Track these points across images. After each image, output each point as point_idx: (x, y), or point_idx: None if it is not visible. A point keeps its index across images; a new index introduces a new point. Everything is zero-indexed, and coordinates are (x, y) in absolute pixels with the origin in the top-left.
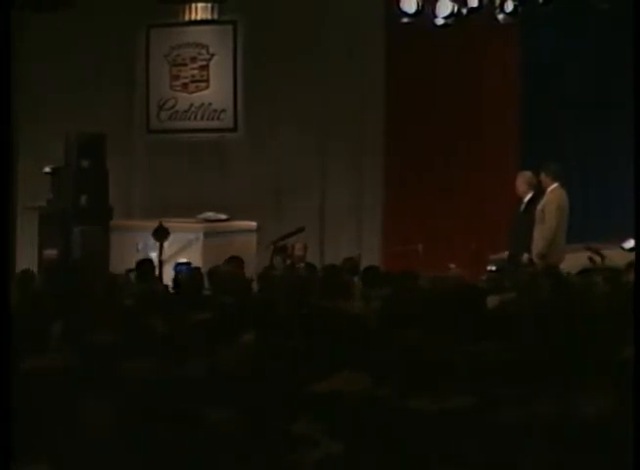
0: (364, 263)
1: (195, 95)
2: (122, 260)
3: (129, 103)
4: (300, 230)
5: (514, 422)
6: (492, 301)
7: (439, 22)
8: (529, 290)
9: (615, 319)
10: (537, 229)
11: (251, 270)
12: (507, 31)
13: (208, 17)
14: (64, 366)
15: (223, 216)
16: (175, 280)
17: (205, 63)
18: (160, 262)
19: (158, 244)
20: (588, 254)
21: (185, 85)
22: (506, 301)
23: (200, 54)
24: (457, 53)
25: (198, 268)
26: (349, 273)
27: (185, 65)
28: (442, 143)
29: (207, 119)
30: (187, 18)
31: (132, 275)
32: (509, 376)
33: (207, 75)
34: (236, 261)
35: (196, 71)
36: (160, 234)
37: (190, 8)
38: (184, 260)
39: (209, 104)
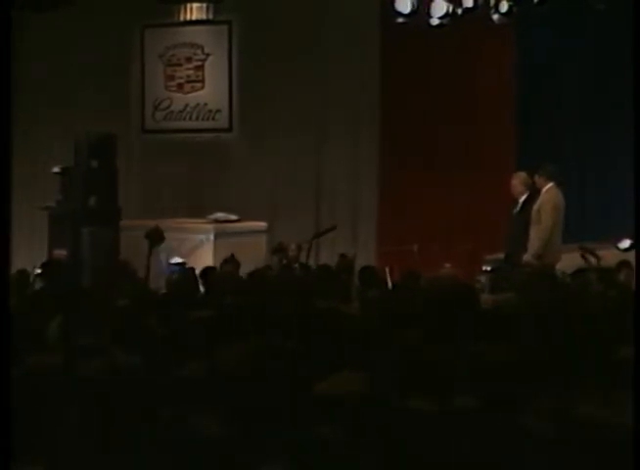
0: (359, 263)
1: (190, 95)
2: (133, 261)
3: (125, 103)
4: (333, 228)
5: (512, 423)
6: (487, 301)
7: (434, 22)
8: (525, 290)
9: (609, 319)
10: (533, 229)
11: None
12: (503, 31)
13: (204, 17)
14: (57, 366)
15: (234, 217)
16: (168, 281)
17: (200, 63)
18: (183, 264)
19: (169, 245)
20: (581, 252)
21: (180, 85)
22: (501, 301)
23: (195, 54)
24: (453, 53)
25: (192, 269)
26: (345, 272)
27: (180, 65)
28: (438, 143)
29: (203, 120)
30: (182, 18)
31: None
32: (505, 377)
33: (203, 76)
34: (232, 262)
35: (191, 72)
36: (154, 238)
37: (185, 8)
38: (178, 261)
39: (205, 104)
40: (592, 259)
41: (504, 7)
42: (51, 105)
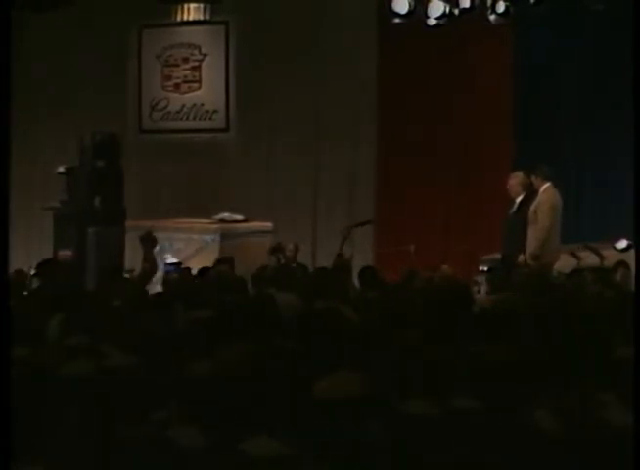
0: (357, 263)
1: (187, 95)
2: (139, 262)
3: (122, 103)
4: (370, 222)
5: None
6: (483, 301)
7: (432, 22)
8: (521, 290)
9: (605, 319)
10: (531, 230)
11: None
12: (500, 32)
13: (201, 17)
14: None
15: (240, 217)
16: (164, 281)
17: (197, 63)
18: (179, 264)
19: (175, 246)
20: (570, 252)
21: (177, 86)
22: (497, 301)
23: (192, 54)
24: (450, 53)
25: (188, 269)
26: (342, 272)
27: (177, 65)
28: (436, 143)
29: (200, 120)
30: (179, 18)
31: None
32: (501, 377)
33: (200, 76)
34: (228, 262)
35: (188, 72)
36: (148, 241)
37: (182, 8)
38: (174, 261)
39: (201, 104)
40: (583, 260)
41: (501, 7)
42: (50, 105)
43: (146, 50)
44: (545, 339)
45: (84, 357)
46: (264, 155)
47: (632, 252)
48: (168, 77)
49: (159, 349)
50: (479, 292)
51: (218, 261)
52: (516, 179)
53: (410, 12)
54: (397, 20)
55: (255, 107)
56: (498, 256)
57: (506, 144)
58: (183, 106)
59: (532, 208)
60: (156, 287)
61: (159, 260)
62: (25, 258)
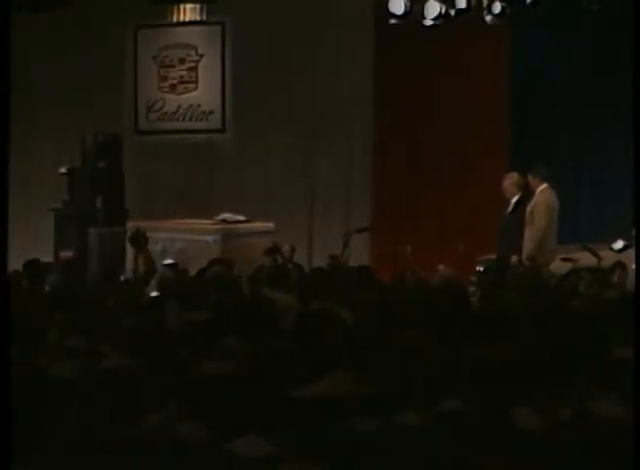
0: (353, 264)
1: (183, 96)
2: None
3: (118, 104)
4: (369, 229)
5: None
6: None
7: (428, 23)
8: (515, 291)
9: (600, 320)
10: (527, 230)
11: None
12: (496, 32)
13: (197, 17)
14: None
15: (241, 218)
16: (160, 282)
17: (193, 64)
18: (175, 266)
19: (176, 246)
20: (563, 257)
21: (173, 86)
22: (492, 302)
23: (188, 55)
24: (447, 54)
25: (184, 270)
26: (335, 273)
27: (173, 66)
28: (432, 143)
29: (196, 121)
30: (175, 18)
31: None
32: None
33: (196, 77)
34: (223, 263)
35: (184, 73)
36: (139, 241)
37: (178, 9)
38: (170, 262)
39: (198, 105)
40: (575, 263)
41: (497, 8)
42: (49, 105)
43: (142, 51)
44: (541, 339)
45: (80, 358)
46: (260, 155)
47: (629, 252)
48: (164, 78)
49: (152, 350)
50: (475, 292)
51: (213, 262)
52: (510, 180)
53: (406, 12)
54: (394, 20)
55: (252, 108)
56: (495, 256)
57: (502, 144)
58: (179, 107)
59: (529, 208)
60: (151, 288)
61: (157, 261)
62: (24, 258)
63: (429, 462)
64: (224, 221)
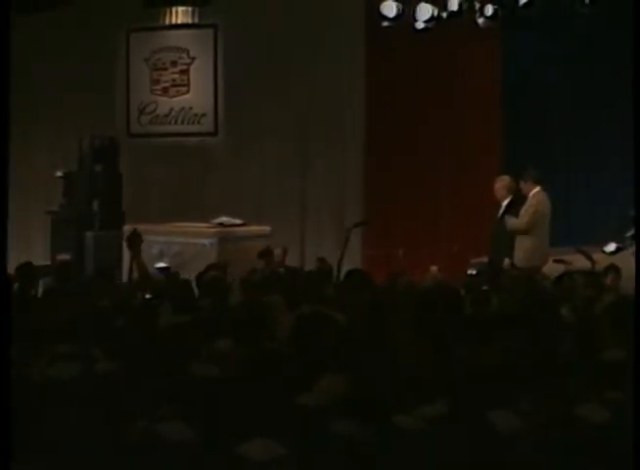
0: (345, 266)
1: (175, 99)
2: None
3: (110, 107)
4: (367, 223)
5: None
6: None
7: (420, 26)
8: (507, 294)
9: (595, 323)
10: (519, 236)
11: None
12: (488, 35)
13: (189, 21)
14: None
15: (238, 221)
16: (153, 286)
17: (185, 67)
18: (167, 269)
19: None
20: (557, 259)
21: (165, 89)
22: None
23: (180, 58)
24: (439, 56)
25: (177, 273)
26: (324, 276)
27: (165, 69)
28: (425, 145)
29: (188, 124)
30: (167, 22)
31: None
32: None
33: (188, 79)
34: (219, 268)
35: (176, 75)
36: (135, 243)
37: (170, 12)
38: (163, 265)
39: (190, 108)
40: (569, 264)
41: (489, 10)
42: (47, 107)
43: (134, 54)
44: (531, 342)
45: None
46: (253, 158)
47: (621, 255)
48: (157, 81)
49: (143, 353)
50: (468, 295)
51: (209, 267)
52: (502, 183)
53: (398, 15)
54: (386, 23)
55: (244, 110)
56: (487, 259)
57: (495, 146)
58: (171, 109)
59: (522, 212)
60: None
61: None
62: (22, 260)
63: (421, 464)
64: (221, 225)
